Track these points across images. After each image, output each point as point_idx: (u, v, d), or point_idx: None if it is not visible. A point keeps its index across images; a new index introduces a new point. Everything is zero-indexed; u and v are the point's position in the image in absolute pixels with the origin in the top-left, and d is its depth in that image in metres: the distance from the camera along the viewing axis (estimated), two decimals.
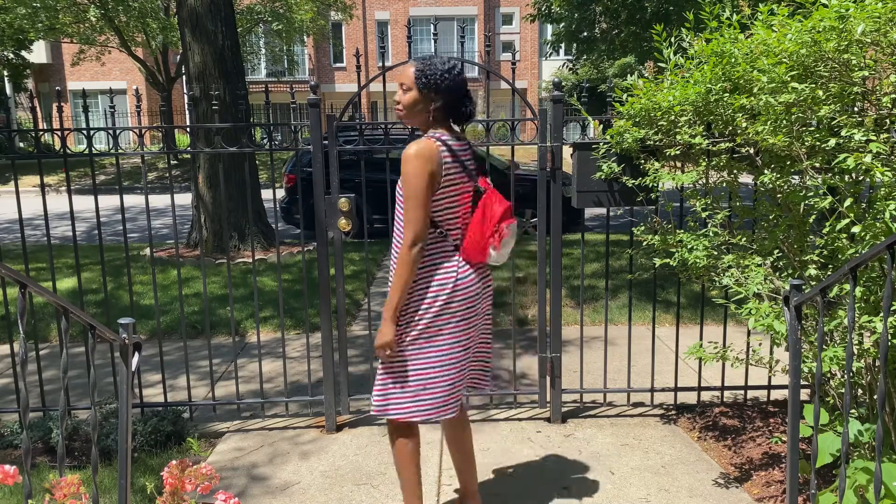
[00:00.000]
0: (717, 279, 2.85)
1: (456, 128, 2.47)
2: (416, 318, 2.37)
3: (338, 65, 28.93)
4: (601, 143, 3.33)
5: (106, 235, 10.62)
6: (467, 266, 2.41)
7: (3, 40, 16.52)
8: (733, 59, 2.62)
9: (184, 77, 10.23)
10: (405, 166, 2.27)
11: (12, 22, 15.37)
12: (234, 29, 8.32)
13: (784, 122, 2.49)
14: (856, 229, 2.29)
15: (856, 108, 2.54)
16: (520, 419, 3.70)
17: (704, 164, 3.06)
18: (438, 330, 2.38)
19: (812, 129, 2.53)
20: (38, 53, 24.05)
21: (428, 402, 2.43)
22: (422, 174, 2.27)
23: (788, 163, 2.72)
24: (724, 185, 3.06)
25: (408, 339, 2.39)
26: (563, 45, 11.61)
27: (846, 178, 2.49)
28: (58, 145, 3.58)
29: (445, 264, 2.38)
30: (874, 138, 2.27)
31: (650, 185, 3.12)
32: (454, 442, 2.70)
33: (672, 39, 3.00)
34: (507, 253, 2.45)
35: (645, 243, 3.12)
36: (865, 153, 2.20)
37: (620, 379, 4.14)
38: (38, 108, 22.43)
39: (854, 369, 2.60)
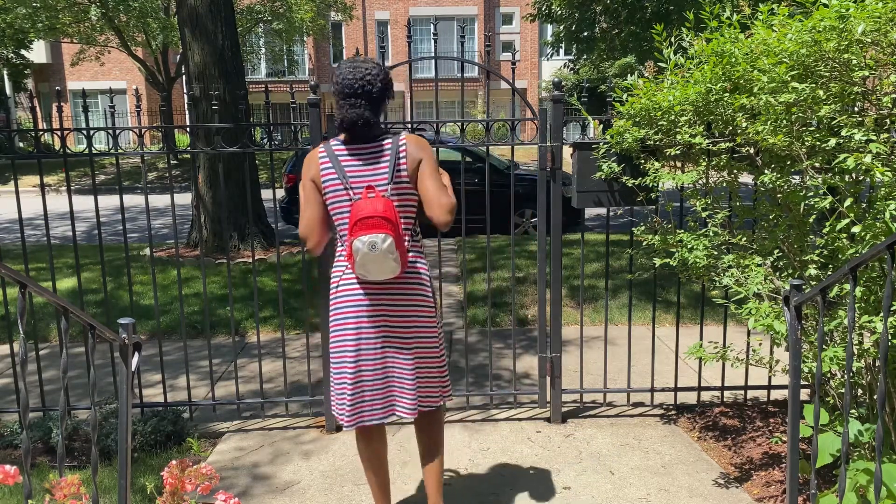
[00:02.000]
0: (717, 279, 2.85)
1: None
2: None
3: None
4: (601, 143, 3.33)
5: (106, 235, 10.62)
6: (353, 275, 2.38)
7: (3, 40, 16.52)
8: (733, 59, 2.62)
9: (184, 77, 10.24)
10: None
11: (12, 22, 15.36)
12: (234, 29, 8.32)
13: (784, 121, 2.49)
14: (856, 229, 2.29)
15: (856, 108, 2.54)
16: (520, 419, 3.69)
17: (704, 163, 3.06)
18: (332, 329, 2.45)
19: (812, 129, 2.53)
20: (38, 53, 24.04)
21: (339, 405, 2.46)
22: (303, 179, 2.43)
23: (788, 163, 2.72)
24: (724, 184, 3.06)
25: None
26: (562, 45, 11.61)
27: (846, 178, 2.49)
28: (57, 145, 3.58)
29: (336, 267, 2.46)
30: (874, 138, 2.27)
31: (650, 184, 3.12)
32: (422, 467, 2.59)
33: (672, 39, 2.99)
34: (372, 268, 2.27)
35: (645, 243, 3.11)
36: (865, 153, 2.19)
37: (620, 379, 4.14)
38: (37, 108, 22.42)
39: (854, 369, 2.60)
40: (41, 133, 3.57)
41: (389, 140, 2.38)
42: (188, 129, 4.10)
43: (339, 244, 2.44)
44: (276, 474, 3.18)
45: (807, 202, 2.63)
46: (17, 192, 3.61)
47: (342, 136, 2.41)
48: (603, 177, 3.32)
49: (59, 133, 3.48)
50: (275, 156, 4.74)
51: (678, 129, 2.91)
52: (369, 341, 2.39)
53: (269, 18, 18.52)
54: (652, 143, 3.11)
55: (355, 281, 2.38)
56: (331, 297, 2.44)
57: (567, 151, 3.60)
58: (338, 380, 2.45)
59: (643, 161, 3.17)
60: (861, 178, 2.48)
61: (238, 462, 3.31)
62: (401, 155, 2.36)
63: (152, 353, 4.69)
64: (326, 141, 2.42)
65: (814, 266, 2.58)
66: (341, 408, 2.45)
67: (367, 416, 2.45)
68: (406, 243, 2.36)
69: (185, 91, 12.95)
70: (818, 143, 2.48)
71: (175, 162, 18.71)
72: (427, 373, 2.48)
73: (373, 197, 2.29)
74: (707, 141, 2.86)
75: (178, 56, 16.60)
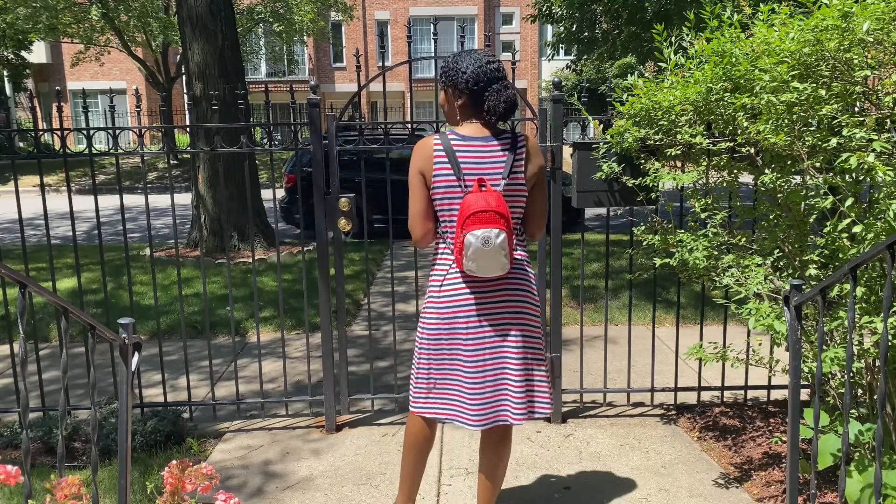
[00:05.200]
0: (717, 279, 2.85)
1: (501, 124, 2.37)
2: (424, 308, 2.40)
3: (338, 65, 28.92)
4: (601, 143, 3.32)
5: (106, 235, 10.62)
6: (458, 274, 2.32)
7: (3, 40, 16.52)
8: (734, 59, 2.62)
9: (184, 77, 10.24)
10: None
11: (13, 22, 15.37)
12: (234, 29, 8.32)
13: (785, 121, 2.49)
14: (857, 229, 2.29)
15: (856, 108, 2.54)
16: None
17: (705, 163, 3.06)
18: (429, 326, 2.37)
19: (813, 128, 2.53)
20: (38, 53, 24.04)
21: (416, 392, 2.43)
22: (412, 170, 2.33)
23: (789, 162, 2.72)
24: (724, 184, 3.05)
25: (419, 327, 2.42)
26: (563, 45, 11.60)
27: (847, 177, 2.49)
28: (58, 145, 3.58)
29: (439, 265, 2.39)
30: (876, 137, 2.27)
31: (650, 184, 3.12)
32: (479, 481, 2.53)
33: (672, 39, 2.99)
34: (486, 265, 2.19)
35: (645, 243, 3.11)
36: (868, 152, 2.19)
37: (620, 379, 4.13)
38: (37, 108, 22.43)
39: (854, 369, 2.60)
40: (41, 133, 3.57)
41: (508, 137, 2.33)
42: (188, 129, 4.10)
43: (443, 241, 2.37)
44: (276, 474, 3.18)
45: (807, 202, 2.62)
46: (17, 192, 3.61)
47: (460, 129, 2.34)
48: (603, 177, 3.32)
49: (59, 133, 3.48)
50: (275, 156, 4.73)
51: (678, 129, 2.91)
52: (471, 342, 2.31)
53: (270, 20, 18.53)
54: (652, 142, 3.11)
55: (461, 280, 2.31)
56: (432, 293, 2.35)
57: (567, 151, 3.60)
58: (423, 371, 2.39)
59: (643, 161, 3.17)
60: (862, 177, 2.48)
61: (238, 462, 3.30)
62: (518, 156, 2.32)
63: (153, 353, 4.68)
64: (442, 133, 2.33)
65: (814, 266, 2.58)
66: (418, 392, 2.41)
67: (448, 414, 2.38)
68: (514, 241, 2.31)
69: (185, 91, 12.94)
70: (819, 142, 2.48)
71: (175, 162, 18.71)
72: (533, 376, 2.39)
73: (490, 190, 2.22)
74: (707, 141, 2.86)
75: (178, 56, 16.60)
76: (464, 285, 2.31)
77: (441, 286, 2.35)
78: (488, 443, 2.48)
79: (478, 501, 2.54)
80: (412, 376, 2.46)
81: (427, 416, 2.43)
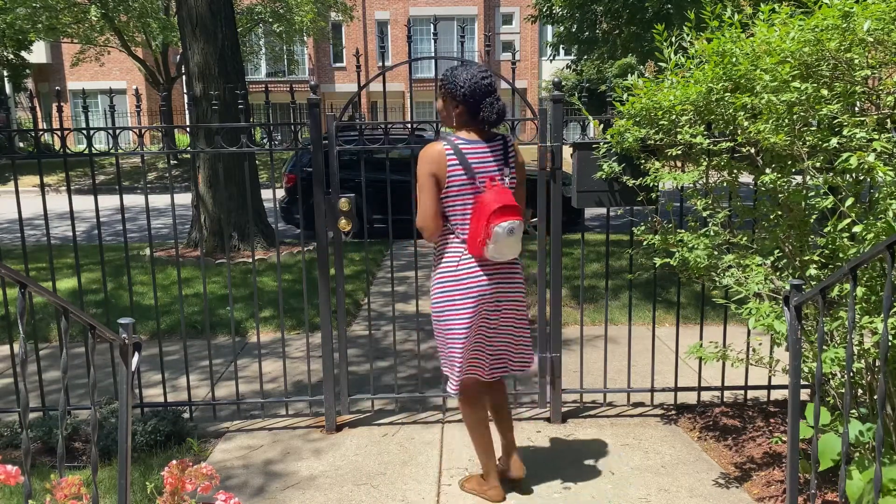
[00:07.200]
0: (717, 279, 2.85)
1: (497, 130, 2.71)
2: (433, 297, 2.72)
3: (338, 65, 28.92)
4: (601, 143, 3.32)
5: (106, 235, 10.62)
6: (472, 259, 2.64)
7: (3, 40, 16.51)
8: (735, 59, 2.62)
9: (184, 77, 10.24)
10: (417, 164, 2.68)
11: (12, 22, 15.36)
12: (234, 29, 8.32)
13: (786, 121, 2.49)
14: (857, 229, 2.29)
15: (856, 108, 2.54)
16: (520, 419, 3.69)
17: (705, 163, 3.06)
18: (445, 311, 2.68)
19: (813, 128, 2.53)
20: (37, 53, 24.04)
21: (451, 365, 2.75)
22: (423, 173, 2.63)
23: (789, 162, 2.72)
24: (725, 184, 3.05)
25: (433, 313, 2.75)
26: (563, 46, 11.59)
27: (847, 177, 2.49)
28: (58, 145, 3.57)
29: (449, 254, 2.69)
30: (876, 137, 2.27)
31: (650, 184, 3.12)
32: (494, 420, 2.98)
33: (673, 39, 2.99)
34: (507, 251, 2.58)
35: (645, 243, 3.11)
36: (868, 152, 2.19)
37: (620, 379, 4.13)
38: (37, 108, 22.42)
39: (854, 369, 2.60)
40: (41, 133, 3.57)
41: (500, 139, 2.70)
42: (188, 129, 4.10)
43: (452, 234, 2.68)
44: (277, 474, 3.18)
45: (808, 202, 2.62)
46: (17, 192, 3.61)
47: (462, 134, 2.66)
48: (603, 177, 3.31)
49: (59, 133, 3.48)
50: (275, 156, 4.74)
51: (679, 129, 2.91)
52: (487, 314, 2.70)
53: (270, 20, 18.53)
54: (652, 142, 3.11)
55: (475, 264, 2.64)
56: (447, 278, 2.66)
57: (567, 151, 3.60)
58: (450, 344, 2.71)
59: (643, 161, 3.17)
60: (862, 177, 2.47)
61: (237, 462, 3.30)
62: (510, 154, 2.71)
63: (153, 353, 4.68)
64: (446, 138, 2.65)
65: (814, 266, 2.58)
66: (452, 366, 2.74)
67: (475, 373, 2.82)
68: None
69: (185, 91, 12.94)
70: (819, 142, 2.48)
71: (175, 162, 18.71)
72: (525, 340, 2.85)
73: (502, 187, 2.61)
74: (708, 141, 2.86)
75: (178, 56, 16.60)
76: (479, 268, 2.65)
77: (457, 269, 2.66)
78: (499, 394, 2.95)
79: (500, 435, 2.96)
80: (442, 354, 2.78)
81: (464, 378, 2.78)
